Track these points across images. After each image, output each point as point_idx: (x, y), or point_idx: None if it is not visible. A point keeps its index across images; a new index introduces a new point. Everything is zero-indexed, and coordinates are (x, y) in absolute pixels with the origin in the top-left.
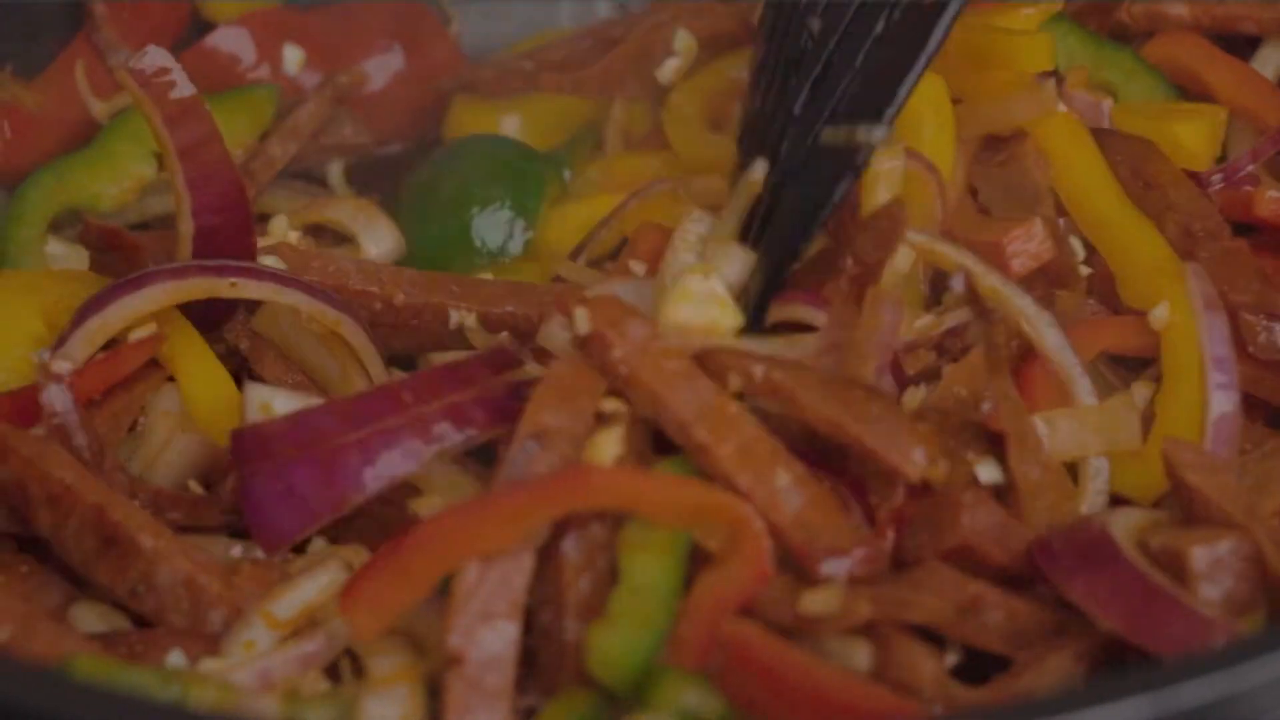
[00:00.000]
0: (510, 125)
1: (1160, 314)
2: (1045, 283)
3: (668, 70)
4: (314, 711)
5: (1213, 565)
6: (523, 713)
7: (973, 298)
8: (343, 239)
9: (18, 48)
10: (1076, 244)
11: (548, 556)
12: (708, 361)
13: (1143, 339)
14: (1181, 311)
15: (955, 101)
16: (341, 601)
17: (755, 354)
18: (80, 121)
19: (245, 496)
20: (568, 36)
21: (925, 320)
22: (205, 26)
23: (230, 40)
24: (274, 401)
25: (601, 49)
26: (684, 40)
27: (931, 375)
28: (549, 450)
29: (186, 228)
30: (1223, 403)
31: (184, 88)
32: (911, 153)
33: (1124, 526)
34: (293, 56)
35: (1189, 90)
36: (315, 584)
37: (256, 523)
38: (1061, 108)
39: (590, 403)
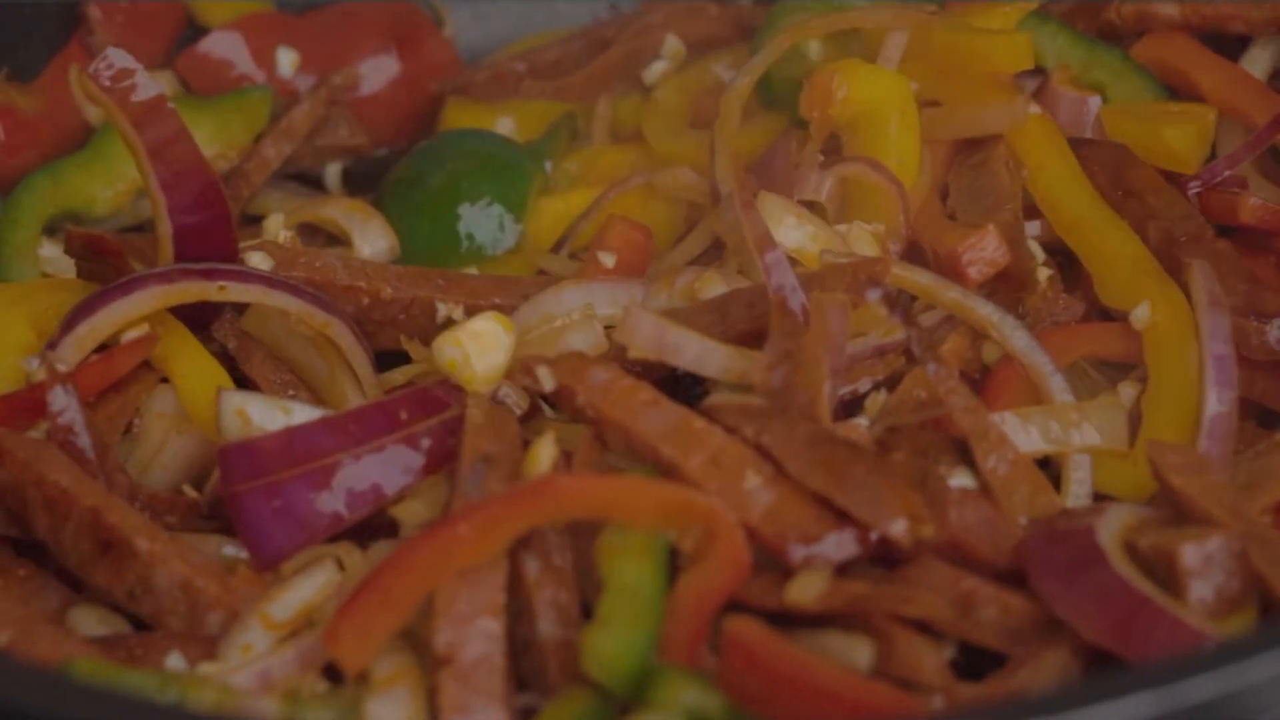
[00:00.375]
0: (505, 127)
1: (1141, 314)
2: (1006, 287)
3: (654, 73)
4: (314, 712)
5: (1204, 562)
6: (520, 712)
7: (894, 306)
8: (336, 240)
9: (12, 51)
10: (1035, 247)
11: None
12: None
13: (1122, 344)
14: (1164, 311)
15: (932, 104)
16: (325, 639)
17: (750, 413)
18: (75, 125)
19: (239, 514)
20: (560, 38)
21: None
22: (201, 29)
23: (224, 44)
24: (249, 407)
25: (593, 50)
26: (672, 45)
27: (897, 380)
28: (497, 469)
29: (165, 229)
30: (1220, 401)
31: (147, 88)
32: (875, 164)
33: (1113, 528)
34: (287, 59)
35: (1178, 90)
36: (311, 584)
37: (251, 541)
38: (1035, 109)
39: (514, 430)
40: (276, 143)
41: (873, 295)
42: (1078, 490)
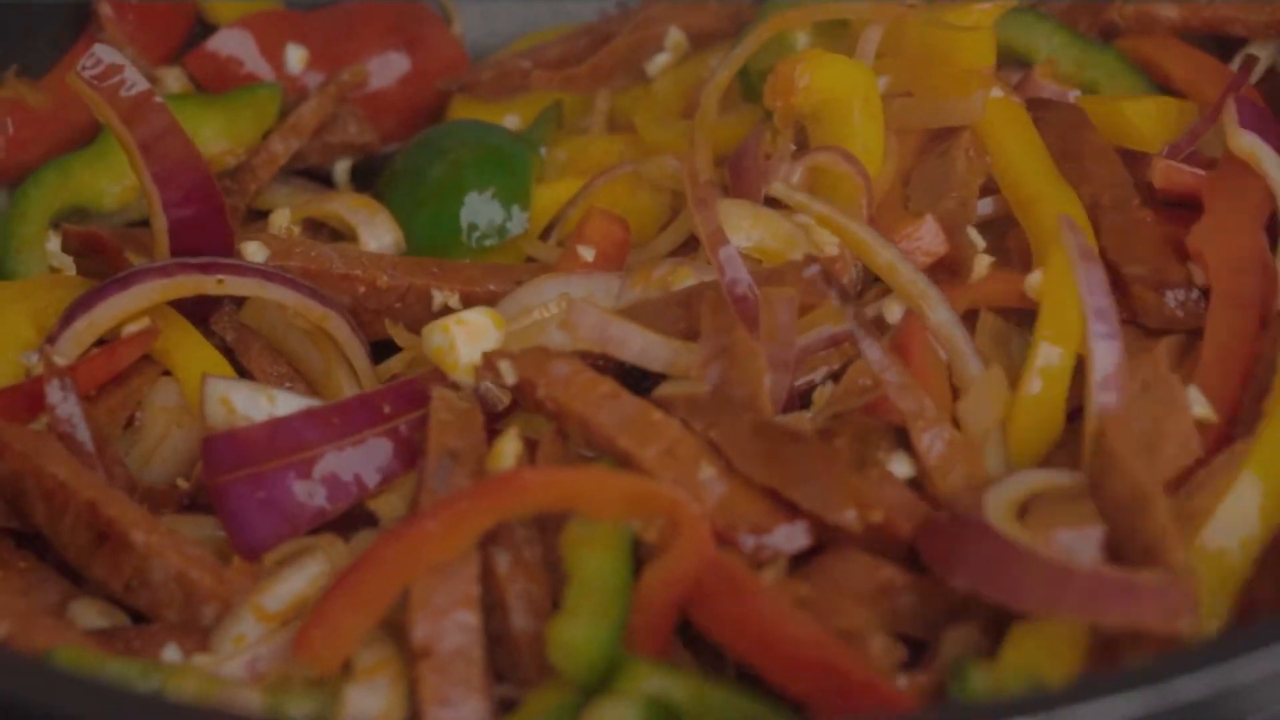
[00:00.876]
0: (511, 124)
1: (1033, 280)
2: (945, 275)
3: (656, 66)
4: (296, 701)
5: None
6: (500, 703)
7: (831, 282)
8: (340, 236)
9: (23, 47)
10: (975, 236)
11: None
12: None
13: (1016, 292)
14: (1054, 278)
15: (906, 95)
16: (296, 644)
17: (701, 407)
18: (84, 121)
19: (224, 505)
20: (564, 34)
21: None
22: (210, 27)
23: (232, 42)
24: (233, 394)
25: (597, 45)
26: (675, 37)
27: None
28: (463, 464)
29: (160, 223)
30: (1108, 353)
31: (136, 84)
32: (845, 154)
33: (1002, 497)
34: (295, 56)
35: (1169, 90)
36: (303, 575)
37: (235, 532)
38: (998, 93)
39: (478, 426)
40: (284, 139)
41: (810, 271)
42: (994, 464)
